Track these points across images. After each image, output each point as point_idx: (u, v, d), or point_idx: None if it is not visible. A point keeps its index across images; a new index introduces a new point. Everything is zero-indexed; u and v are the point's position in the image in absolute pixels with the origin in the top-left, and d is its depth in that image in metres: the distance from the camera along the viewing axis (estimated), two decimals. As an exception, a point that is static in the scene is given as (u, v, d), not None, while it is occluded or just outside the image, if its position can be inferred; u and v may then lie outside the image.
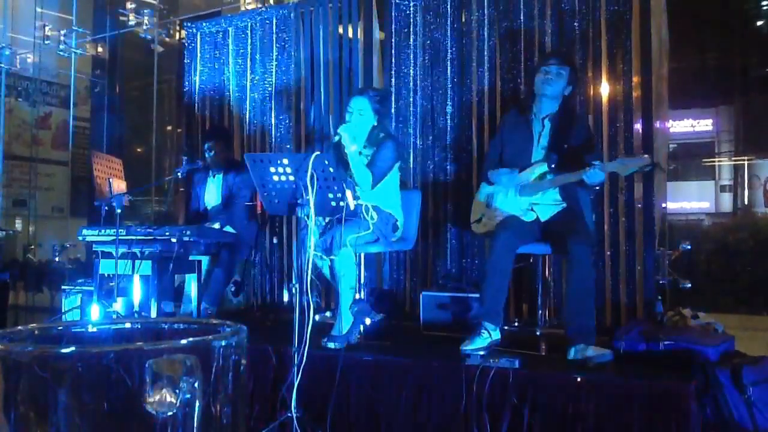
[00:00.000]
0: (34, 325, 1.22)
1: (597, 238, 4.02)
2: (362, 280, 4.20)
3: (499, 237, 3.56)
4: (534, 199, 3.69)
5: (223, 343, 1.10)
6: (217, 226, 4.82)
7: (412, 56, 5.13)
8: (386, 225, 3.92)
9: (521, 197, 3.70)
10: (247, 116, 5.90)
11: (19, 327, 1.21)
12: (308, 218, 3.34)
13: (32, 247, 11.14)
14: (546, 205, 3.69)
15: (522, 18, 4.71)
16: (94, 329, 1.27)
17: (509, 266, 3.55)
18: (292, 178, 3.33)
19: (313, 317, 3.26)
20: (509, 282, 3.61)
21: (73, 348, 0.98)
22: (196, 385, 1.02)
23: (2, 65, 11.53)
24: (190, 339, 1.09)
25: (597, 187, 3.62)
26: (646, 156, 3.42)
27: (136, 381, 0.98)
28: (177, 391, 1.00)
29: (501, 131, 4.06)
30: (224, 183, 5.09)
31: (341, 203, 3.35)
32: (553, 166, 3.66)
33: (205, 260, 4.74)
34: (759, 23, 15.03)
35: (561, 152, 3.64)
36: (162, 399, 0.99)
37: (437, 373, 3.26)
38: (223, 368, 1.08)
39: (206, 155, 5.12)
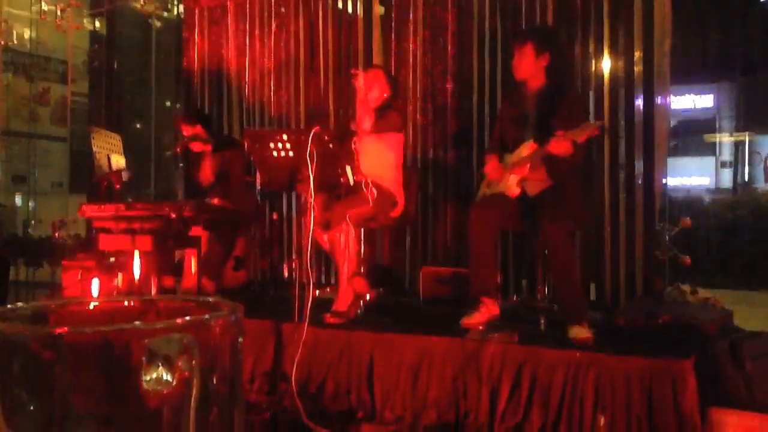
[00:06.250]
0: (32, 303, 1.22)
1: (591, 216, 3.98)
2: (362, 256, 4.20)
3: (473, 214, 3.58)
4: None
5: (221, 321, 1.10)
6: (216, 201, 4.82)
7: (412, 32, 5.08)
8: (385, 201, 3.92)
9: (511, 174, 3.66)
10: (246, 92, 5.87)
11: (18, 304, 1.21)
12: (308, 194, 3.33)
13: (32, 222, 11.14)
14: (535, 180, 3.63)
15: (523, -8, 4.67)
16: (92, 307, 1.27)
17: (490, 241, 3.54)
18: (291, 153, 3.32)
19: (314, 293, 3.27)
20: (496, 255, 3.62)
21: (69, 328, 0.98)
22: (193, 363, 1.02)
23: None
24: (187, 317, 1.09)
25: (573, 159, 3.45)
26: (598, 122, 3.40)
27: (133, 360, 0.98)
28: (174, 369, 1.00)
29: (500, 114, 4.05)
30: (217, 160, 5.04)
31: (341, 179, 3.35)
32: (540, 142, 3.61)
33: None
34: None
35: (548, 128, 3.58)
36: (159, 377, 0.99)
37: (437, 348, 3.27)
38: (220, 346, 1.08)
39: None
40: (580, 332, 3.20)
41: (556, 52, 3.77)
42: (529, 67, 3.67)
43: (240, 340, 1.14)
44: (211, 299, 1.23)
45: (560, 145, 3.30)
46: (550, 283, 3.92)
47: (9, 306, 1.18)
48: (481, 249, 3.52)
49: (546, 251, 3.33)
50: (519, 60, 3.69)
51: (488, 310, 3.50)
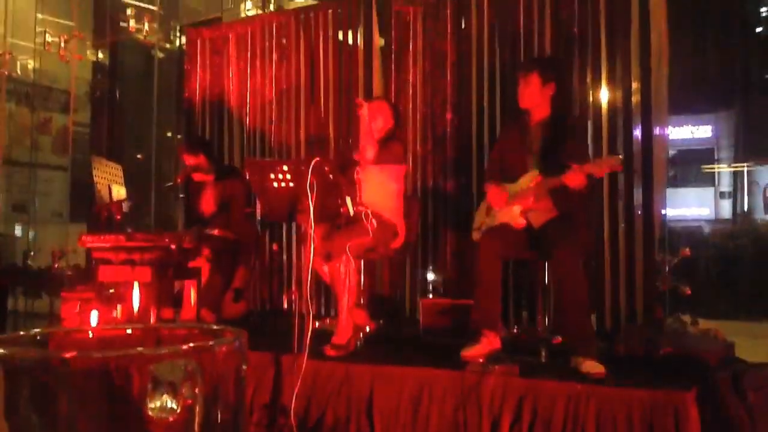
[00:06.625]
0: (36, 330, 1.22)
1: (593, 246, 3.98)
2: (362, 287, 4.19)
3: (482, 244, 3.56)
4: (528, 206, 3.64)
5: (224, 349, 1.10)
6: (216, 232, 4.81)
7: (411, 62, 5.14)
8: (386, 232, 3.92)
9: (514, 205, 3.64)
10: (247, 122, 5.91)
11: (21, 332, 1.21)
12: (308, 225, 3.33)
13: (32, 252, 11.12)
14: (539, 211, 3.60)
15: (521, 23, 4.72)
16: (95, 335, 1.27)
17: (496, 272, 3.51)
18: (292, 184, 3.34)
19: (313, 324, 3.25)
20: (500, 287, 3.57)
21: (74, 353, 0.98)
22: (196, 390, 1.02)
23: (3, 70, 11.55)
24: (191, 344, 1.09)
25: (584, 191, 3.44)
26: (619, 156, 3.39)
27: (137, 386, 0.98)
28: (178, 396, 1.00)
29: (499, 140, 4.04)
30: (219, 189, 5.06)
31: (341, 209, 3.36)
32: (544, 172, 3.61)
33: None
34: (758, 29, 15.07)
35: (552, 158, 3.57)
36: (163, 404, 0.99)
37: (437, 381, 3.25)
38: (224, 373, 1.08)
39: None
40: (593, 367, 3.15)
41: (561, 82, 3.77)
42: (535, 96, 3.67)
43: (244, 367, 1.14)
44: (215, 326, 1.23)
45: (576, 178, 3.30)
46: (550, 313, 3.90)
47: (14, 333, 1.19)
48: (487, 280, 3.49)
49: (555, 280, 3.30)
50: (524, 89, 3.68)
51: (489, 342, 3.45)
